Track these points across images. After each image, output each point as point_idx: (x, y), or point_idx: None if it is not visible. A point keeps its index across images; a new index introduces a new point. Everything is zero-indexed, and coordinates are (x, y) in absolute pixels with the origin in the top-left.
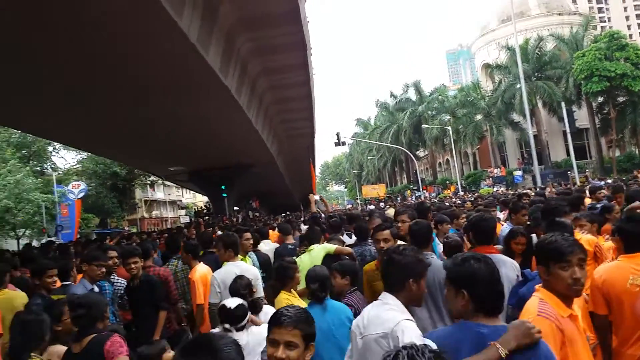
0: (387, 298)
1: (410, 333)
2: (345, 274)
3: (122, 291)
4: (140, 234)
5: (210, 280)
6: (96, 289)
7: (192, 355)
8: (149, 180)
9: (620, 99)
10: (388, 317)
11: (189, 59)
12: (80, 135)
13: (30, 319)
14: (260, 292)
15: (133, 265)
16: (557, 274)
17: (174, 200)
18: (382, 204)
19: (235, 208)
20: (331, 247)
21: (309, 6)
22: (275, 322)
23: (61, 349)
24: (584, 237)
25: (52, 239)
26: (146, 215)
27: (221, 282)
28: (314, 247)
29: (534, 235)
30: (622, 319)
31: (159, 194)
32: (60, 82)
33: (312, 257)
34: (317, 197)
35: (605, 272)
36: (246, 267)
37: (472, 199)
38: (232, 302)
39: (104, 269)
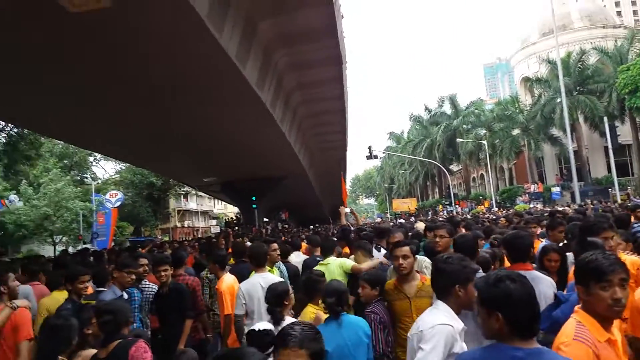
0: (438, 304)
1: (428, 340)
2: (375, 285)
3: (153, 297)
4: (172, 243)
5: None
6: (125, 296)
7: None
8: (182, 191)
9: None
10: (430, 319)
11: (228, 73)
12: (97, 141)
13: (60, 324)
14: None
15: (163, 273)
16: (597, 295)
17: (206, 211)
18: (412, 219)
19: (265, 219)
20: (348, 264)
21: (346, 19)
22: (280, 343)
23: (92, 352)
24: (628, 257)
25: (87, 245)
26: (178, 224)
27: (246, 293)
28: (330, 260)
29: (570, 254)
30: None
31: (192, 204)
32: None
33: (329, 271)
34: (347, 210)
35: None
36: (272, 278)
37: (505, 215)
38: (260, 326)
39: (133, 276)
